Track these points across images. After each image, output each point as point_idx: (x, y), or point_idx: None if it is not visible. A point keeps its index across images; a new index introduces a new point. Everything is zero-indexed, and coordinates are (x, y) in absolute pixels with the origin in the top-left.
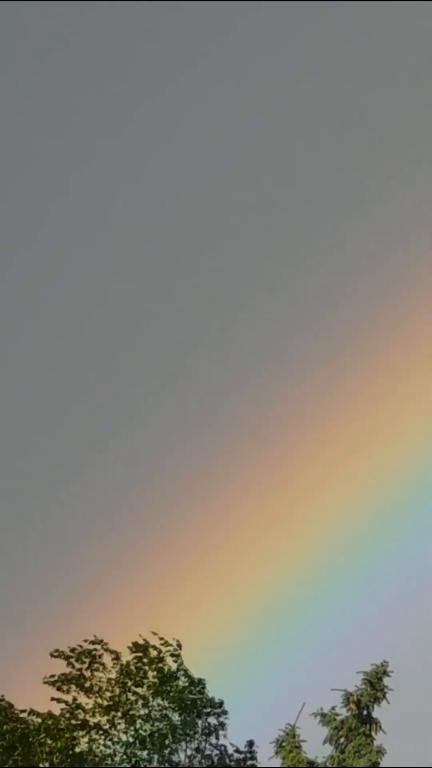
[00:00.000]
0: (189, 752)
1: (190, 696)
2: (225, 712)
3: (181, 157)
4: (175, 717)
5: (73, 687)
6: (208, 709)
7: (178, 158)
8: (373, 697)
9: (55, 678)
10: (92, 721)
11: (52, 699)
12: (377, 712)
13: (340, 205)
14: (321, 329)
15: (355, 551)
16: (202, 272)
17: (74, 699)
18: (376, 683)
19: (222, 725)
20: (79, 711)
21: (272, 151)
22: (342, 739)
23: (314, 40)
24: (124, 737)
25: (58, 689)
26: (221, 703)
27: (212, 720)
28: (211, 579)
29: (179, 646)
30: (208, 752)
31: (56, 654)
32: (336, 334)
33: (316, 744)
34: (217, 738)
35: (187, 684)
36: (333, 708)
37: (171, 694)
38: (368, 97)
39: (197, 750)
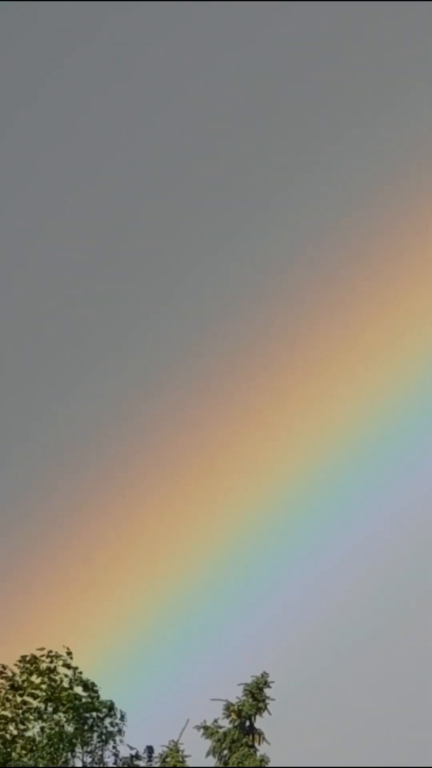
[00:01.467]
0: (86, 759)
1: (83, 701)
2: (122, 716)
3: (180, 67)
4: (69, 725)
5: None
6: (102, 713)
7: (177, 68)
8: (254, 708)
9: None
10: None
11: None
12: (260, 723)
13: (338, 124)
14: (321, 238)
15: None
16: (203, 187)
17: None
18: (257, 694)
19: (119, 731)
20: None
21: (273, 60)
22: (225, 751)
23: None
24: (17, 751)
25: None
26: (111, 705)
27: (107, 724)
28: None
29: (69, 654)
30: (106, 759)
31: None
32: (335, 244)
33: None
34: (114, 743)
35: (80, 690)
36: (216, 720)
37: (63, 702)
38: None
39: (92, 755)
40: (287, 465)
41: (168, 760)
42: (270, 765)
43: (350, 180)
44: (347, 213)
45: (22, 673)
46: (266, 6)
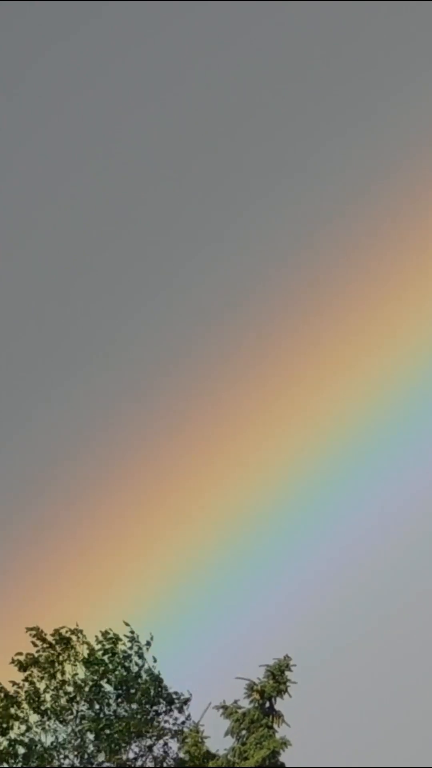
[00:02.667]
0: (139, 750)
1: (150, 695)
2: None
3: (179, 56)
4: (137, 716)
5: (36, 671)
6: (169, 706)
7: (176, 57)
8: (276, 690)
9: (23, 658)
10: (48, 707)
11: (12, 682)
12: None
13: (337, 115)
14: (320, 231)
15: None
16: (200, 179)
17: (32, 684)
18: (278, 676)
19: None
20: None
21: (274, 48)
22: (243, 732)
23: None
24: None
25: (23, 670)
26: (187, 700)
27: (173, 715)
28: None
29: (149, 643)
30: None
31: (33, 632)
32: (334, 237)
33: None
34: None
35: (149, 681)
36: (236, 701)
37: (134, 693)
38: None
39: (149, 749)
40: (297, 444)
41: (188, 740)
42: (289, 748)
43: (350, 171)
44: (347, 204)
45: (98, 650)
46: None
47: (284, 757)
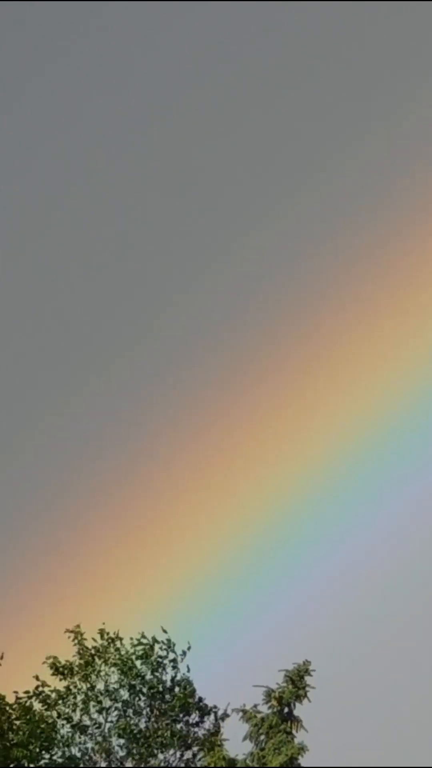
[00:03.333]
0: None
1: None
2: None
3: (184, 70)
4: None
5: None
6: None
7: (182, 71)
8: (294, 695)
9: (57, 664)
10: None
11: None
12: (300, 711)
13: (341, 128)
14: (325, 241)
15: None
16: (206, 192)
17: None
18: (297, 681)
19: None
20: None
21: (278, 62)
22: (262, 737)
23: None
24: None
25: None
26: (225, 716)
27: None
28: None
29: (185, 652)
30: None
31: (73, 632)
32: (339, 247)
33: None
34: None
35: (185, 693)
36: (255, 705)
37: (171, 703)
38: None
39: (180, 758)
40: (306, 452)
41: (215, 750)
42: (306, 752)
43: (353, 184)
44: (351, 216)
45: (132, 654)
46: (273, 6)
47: (303, 761)
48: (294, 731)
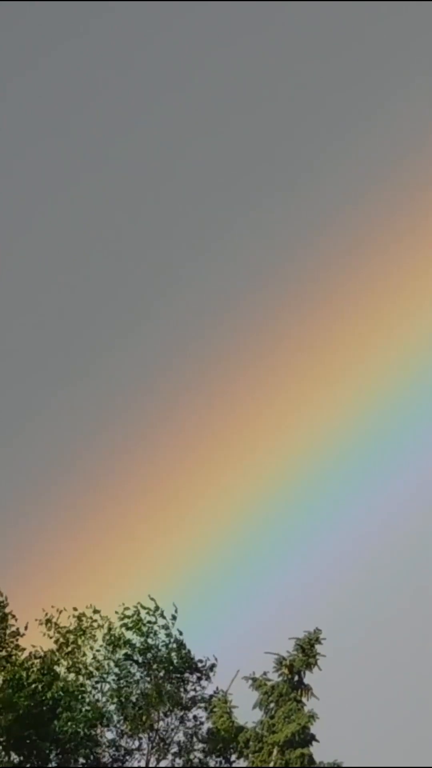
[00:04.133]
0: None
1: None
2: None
3: (181, 54)
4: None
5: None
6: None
7: (178, 55)
8: (305, 663)
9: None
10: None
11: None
12: (310, 679)
13: (339, 114)
14: (322, 227)
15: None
16: (203, 176)
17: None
18: (308, 649)
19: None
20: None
21: (276, 46)
22: (272, 705)
23: None
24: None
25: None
26: (213, 665)
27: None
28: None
29: (174, 617)
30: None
31: (47, 621)
32: (336, 233)
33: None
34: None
35: (172, 648)
36: (265, 673)
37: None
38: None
39: (180, 720)
40: (305, 432)
41: (216, 709)
42: (317, 720)
43: (351, 168)
44: (348, 201)
45: (121, 626)
46: None
47: (313, 729)
48: (305, 699)
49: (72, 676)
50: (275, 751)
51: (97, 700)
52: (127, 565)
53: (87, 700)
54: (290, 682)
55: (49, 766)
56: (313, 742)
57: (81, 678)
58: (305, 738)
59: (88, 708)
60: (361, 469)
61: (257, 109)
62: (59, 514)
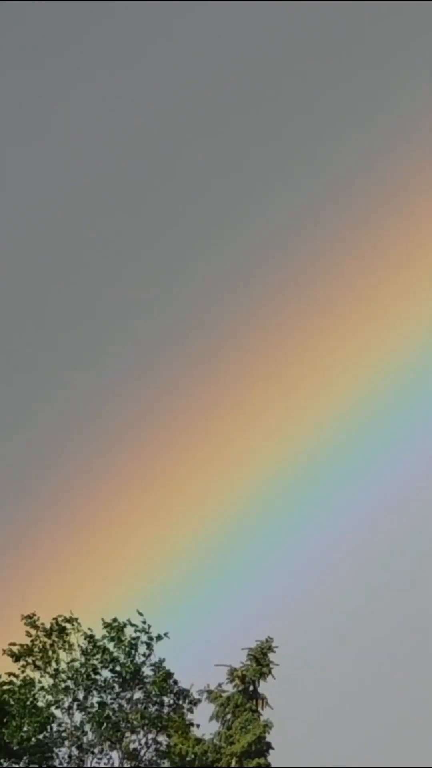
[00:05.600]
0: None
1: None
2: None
3: (179, 47)
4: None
5: (29, 661)
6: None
7: (176, 49)
8: (258, 673)
9: (17, 649)
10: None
11: (8, 674)
12: (264, 688)
13: (337, 106)
14: (319, 217)
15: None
16: (201, 167)
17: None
18: (261, 658)
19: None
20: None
21: (273, 39)
22: (228, 716)
23: None
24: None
25: (16, 661)
26: (197, 701)
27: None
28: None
29: (161, 637)
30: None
31: (29, 621)
32: (334, 224)
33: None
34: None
35: (160, 676)
36: (219, 685)
37: (148, 686)
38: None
39: (154, 741)
40: (297, 427)
41: (173, 724)
42: (273, 729)
43: (348, 160)
44: (347, 189)
45: (103, 638)
46: None
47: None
48: (260, 709)
49: (47, 679)
50: (233, 762)
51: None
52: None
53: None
54: (245, 693)
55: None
56: (270, 751)
57: (58, 682)
58: (261, 747)
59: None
60: (358, 459)
61: (255, 107)
62: (44, 508)
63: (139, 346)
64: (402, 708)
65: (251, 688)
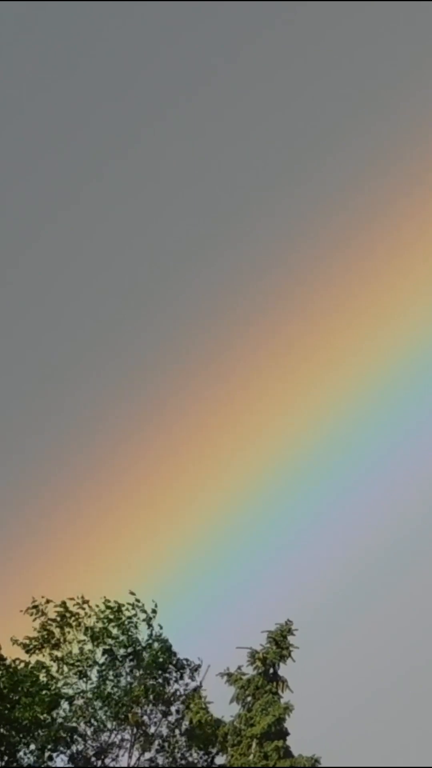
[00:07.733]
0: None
1: (160, 661)
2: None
3: (183, 54)
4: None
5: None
6: (179, 672)
7: (180, 55)
8: (278, 655)
9: (30, 642)
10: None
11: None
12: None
13: (339, 111)
14: (322, 216)
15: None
16: (204, 170)
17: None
18: (281, 641)
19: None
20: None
21: (278, 46)
22: (249, 698)
23: None
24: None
25: (28, 652)
26: (198, 666)
27: (184, 681)
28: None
29: (154, 611)
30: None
31: (32, 610)
32: (336, 223)
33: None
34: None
35: (159, 650)
36: (239, 667)
37: (142, 660)
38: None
39: (163, 715)
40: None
41: (191, 706)
42: (293, 712)
43: (352, 155)
44: (349, 188)
45: (100, 620)
46: None
47: (289, 721)
48: (280, 691)
49: (55, 666)
50: (254, 744)
51: (83, 691)
52: (115, 557)
53: (46, 683)
54: (265, 675)
55: (31, 764)
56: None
57: (65, 668)
58: (281, 730)
59: (45, 692)
60: (359, 457)
61: (255, 112)
62: (51, 502)
63: (141, 348)
64: (415, 693)
65: (271, 670)
